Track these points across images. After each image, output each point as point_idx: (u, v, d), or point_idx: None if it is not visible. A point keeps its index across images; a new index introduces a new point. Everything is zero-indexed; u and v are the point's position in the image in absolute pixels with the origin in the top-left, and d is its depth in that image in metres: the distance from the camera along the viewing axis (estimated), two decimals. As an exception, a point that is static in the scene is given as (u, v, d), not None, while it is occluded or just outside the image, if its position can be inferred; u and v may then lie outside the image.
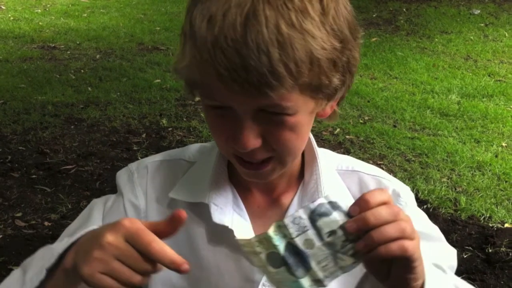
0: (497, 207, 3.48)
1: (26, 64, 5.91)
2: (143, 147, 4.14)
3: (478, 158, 4.08)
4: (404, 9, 8.36)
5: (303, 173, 0.97)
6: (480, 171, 3.93)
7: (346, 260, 0.72)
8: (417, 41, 6.97)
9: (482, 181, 3.78)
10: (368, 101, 5.07)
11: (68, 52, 6.35)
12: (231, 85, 0.76)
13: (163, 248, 0.70)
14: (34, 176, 3.69)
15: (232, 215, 0.93)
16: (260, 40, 0.73)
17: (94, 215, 0.97)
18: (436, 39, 7.02)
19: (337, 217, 0.72)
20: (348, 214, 0.71)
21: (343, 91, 0.86)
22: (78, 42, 6.71)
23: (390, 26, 7.66)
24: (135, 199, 0.97)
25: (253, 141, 0.81)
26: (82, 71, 5.73)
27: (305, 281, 0.72)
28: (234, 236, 0.91)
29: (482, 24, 7.63)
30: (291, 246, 0.72)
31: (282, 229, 0.72)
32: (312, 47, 0.75)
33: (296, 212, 0.72)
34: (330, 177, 0.95)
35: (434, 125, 4.64)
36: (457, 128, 4.61)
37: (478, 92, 5.36)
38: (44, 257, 0.81)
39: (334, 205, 0.72)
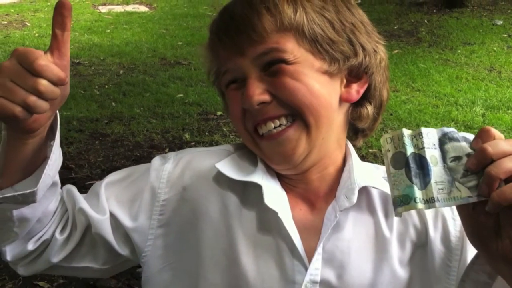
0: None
1: (51, 80, 6.01)
2: (167, 162, 4.17)
3: (504, 172, 4.01)
4: (426, 21, 8.32)
5: None
6: (506, 184, 3.87)
7: (462, 191, 0.71)
8: (439, 53, 6.92)
9: (509, 195, 3.72)
10: (391, 114, 5.04)
11: (92, 68, 6.44)
12: (227, 43, 0.88)
13: (48, 64, 0.73)
14: (60, 191, 3.74)
15: (280, 204, 0.90)
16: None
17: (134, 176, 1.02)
18: (459, 51, 6.96)
19: (466, 146, 0.73)
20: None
21: (363, 66, 0.90)
22: (101, 58, 6.81)
23: (412, 38, 7.62)
24: (157, 183, 0.97)
25: (258, 94, 0.86)
26: (106, 86, 5.81)
27: (418, 192, 0.72)
28: (282, 224, 0.87)
29: (505, 35, 7.54)
30: (418, 156, 0.73)
31: (415, 138, 0.74)
32: None
33: (430, 129, 0.74)
34: (374, 182, 0.93)
35: (458, 138, 4.58)
36: (482, 141, 4.55)
37: (503, 104, 5.30)
38: None
39: (465, 138, 0.74)
